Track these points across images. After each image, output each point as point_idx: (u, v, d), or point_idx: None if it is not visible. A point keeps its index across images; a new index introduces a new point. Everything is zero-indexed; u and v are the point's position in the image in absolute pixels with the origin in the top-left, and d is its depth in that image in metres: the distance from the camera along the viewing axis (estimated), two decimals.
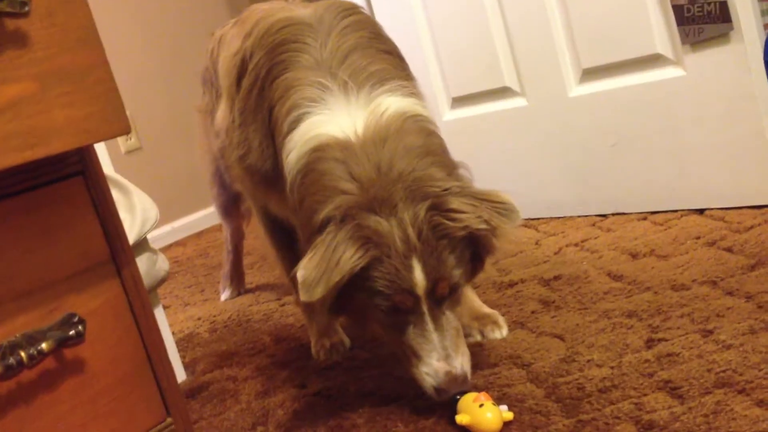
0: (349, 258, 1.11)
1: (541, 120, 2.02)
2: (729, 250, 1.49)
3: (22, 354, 0.75)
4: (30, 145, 0.73)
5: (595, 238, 1.80)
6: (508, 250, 1.88)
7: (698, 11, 1.65)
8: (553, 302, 1.48)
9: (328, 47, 1.30)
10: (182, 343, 1.89)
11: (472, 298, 1.50)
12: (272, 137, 1.34)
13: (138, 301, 0.89)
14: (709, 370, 1.07)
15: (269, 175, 1.38)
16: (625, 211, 1.92)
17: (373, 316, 1.20)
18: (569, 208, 2.04)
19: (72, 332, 0.79)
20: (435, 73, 2.22)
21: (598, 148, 1.93)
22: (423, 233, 1.13)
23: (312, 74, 1.28)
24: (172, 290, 2.54)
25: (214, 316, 2.08)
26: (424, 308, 1.15)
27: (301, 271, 1.12)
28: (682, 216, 1.77)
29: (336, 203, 1.15)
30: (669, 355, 1.14)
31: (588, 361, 1.20)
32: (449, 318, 1.18)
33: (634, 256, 1.60)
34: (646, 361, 1.15)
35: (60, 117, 0.75)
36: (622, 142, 1.88)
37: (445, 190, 1.16)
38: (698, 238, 1.60)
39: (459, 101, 2.21)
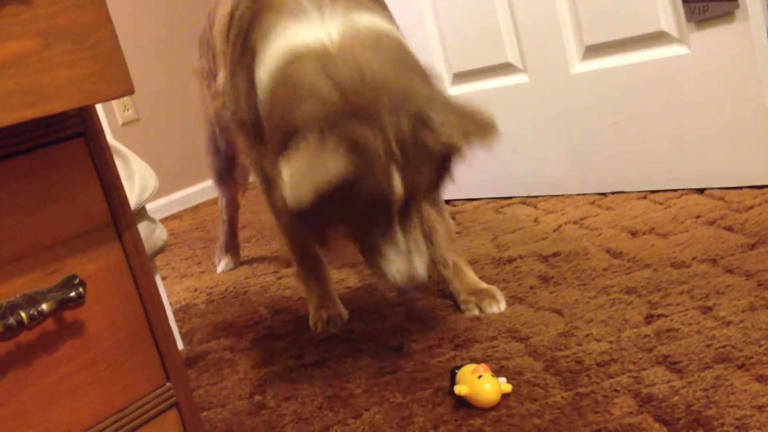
0: (336, 163, 1.09)
1: (542, 97, 2.01)
2: (729, 229, 1.49)
3: (23, 314, 0.74)
4: (30, 103, 0.72)
5: (595, 216, 1.80)
6: (506, 227, 1.88)
7: None
8: (552, 278, 1.48)
9: None
10: (179, 314, 1.89)
11: (468, 274, 1.51)
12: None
13: (138, 265, 0.88)
14: (708, 346, 1.07)
15: (259, 127, 1.33)
16: (625, 190, 1.92)
17: (344, 216, 1.20)
18: (569, 186, 2.03)
19: (72, 294, 0.79)
20: (436, 48, 2.21)
21: (599, 126, 1.92)
22: (405, 146, 1.14)
23: (291, 5, 1.25)
24: (169, 262, 2.54)
25: (211, 288, 2.08)
26: (394, 212, 1.18)
27: (289, 176, 1.10)
28: (682, 195, 1.77)
29: (317, 105, 1.13)
30: (668, 330, 1.14)
31: (587, 335, 1.20)
32: (414, 221, 1.21)
33: (634, 234, 1.60)
34: (645, 336, 1.15)
35: (61, 76, 0.74)
36: (623, 121, 1.87)
37: (429, 102, 1.16)
38: (698, 217, 1.60)
39: (460, 77, 2.19)
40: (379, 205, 1.17)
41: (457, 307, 1.47)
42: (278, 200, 1.18)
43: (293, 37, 1.21)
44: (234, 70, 1.38)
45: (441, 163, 1.22)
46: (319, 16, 1.22)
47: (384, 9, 1.38)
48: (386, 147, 1.13)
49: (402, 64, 1.20)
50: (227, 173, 2.13)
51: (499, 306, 1.42)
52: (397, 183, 1.14)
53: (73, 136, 0.83)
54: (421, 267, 1.20)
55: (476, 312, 1.43)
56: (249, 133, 1.39)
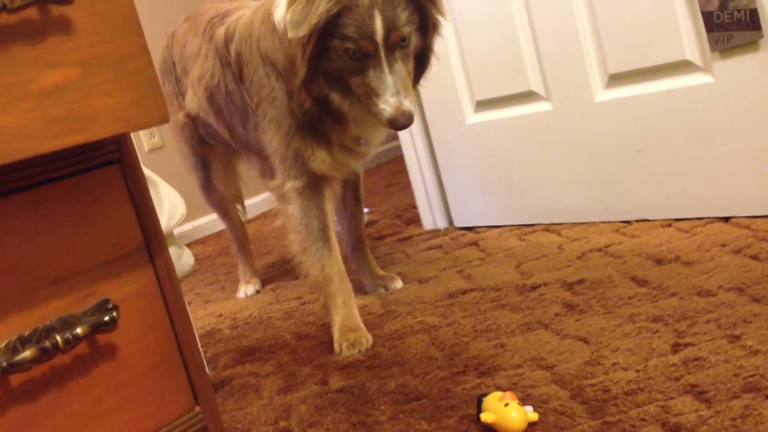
0: (324, 5, 1.40)
1: (566, 125, 2.02)
2: (755, 257, 1.48)
3: (58, 338, 0.76)
4: (71, 130, 0.74)
5: (619, 243, 1.80)
6: (530, 254, 1.88)
7: (728, 18, 1.64)
8: (577, 306, 1.48)
9: None
10: (204, 339, 1.90)
11: (373, 267, 1.97)
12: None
13: (170, 290, 0.89)
14: (736, 375, 1.06)
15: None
16: (649, 218, 1.91)
17: (343, 65, 1.47)
18: (593, 213, 2.03)
19: (106, 318, 0.80)
20: (459, 75, 2.23)
21: (624, 154, 1.92)
22: None
23: None
24: (193, 287, 2.56)
25: (235, 314, 2.09)
26: (382, 54, 1.44)
27: (289, 14, 1.43)
28: (707, 223, 1.76)
29: None
30: (696, 359, 1.14)
31: (613, 364, 1.20)
32: (401, 66, 1.47)
33: (659, 262, 1.60)
34: (673, 365, 1.14)
35: (100, 104, 0.76)
36: (647, 149, 1.87)
37: None
38: (724, 245, 1.59)
39: (483, 104, 2.21)
40: (367, 45, 1.43)
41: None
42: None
43: None
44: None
45: (417, 19, 1.49)
46: None
47: None
48: None
49: None
50: (208, 183, 2.23)
51: (397, 284, 1.93)
52: (378, 21, 1.42)
53: (109, 163, 0.85)
54: (407, 102, 1.45)
55: (382, 291, 1.92)
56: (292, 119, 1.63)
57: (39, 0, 0.71)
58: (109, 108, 0.77)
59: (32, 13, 0.72)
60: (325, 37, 1.45)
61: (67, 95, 0.74)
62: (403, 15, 1.46)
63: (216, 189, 2.24)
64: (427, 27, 1.53)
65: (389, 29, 1.44)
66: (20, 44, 0.71)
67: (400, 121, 1.44)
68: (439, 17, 1.55)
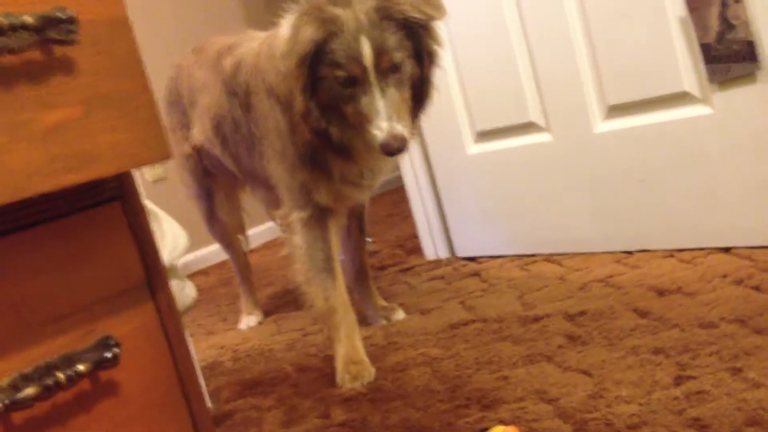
0: (310, 31, 1.44)
1: (566, 155, 2.03)
2: (757, 288, 1.48)
3: (59, 375, 0.76)
4: (72, 168, 0.75)
5: (621, 274, 1.80)
6: (532, 285, 1.88)
7: (725, 50, 1.65)
8: (579, 337, 1.47)
9: None
10: (206, 372, 1.90)
11: (376, 298, 1.96)
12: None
13: (171, 325, 0.89)
14: (738, 409, 1.06)
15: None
16: (651, 248, 1.92)
17: (336, 93, 1.48)
18: (594, 243, 2.04)
19: (108, 354, 0.80)
20: (460, 106, 2.24)
21: (624, 184, 1.93)
22: (371, 17, 1.45)
23: None
24: (195, 318, 2.55)
25: (237, 345, 2.09)
26: (372, 79, 1.44)
27: (280, 52, 1.49)
28: (708, 254, 1.76)
29: (305, 4, 1.50)
30: (698, 392, 1.13)
31: (616, 397, 1.19)
32: (393, 92, 1.46)
33: (661, 293, 1.60)
34: (675, 398, 1.14)
35: (103, 142, 0.77)
36: (647, 179, 1.88)
37: None
38: (725, 276, 1.59)
39: (484, 135, 2.22)
40: (356, 70, 1.44)
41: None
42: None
43: None
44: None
45: (412, 41, 1.49)
46: None
47: None
48: (355, 18, 1.44)
49: None
50: (212, 214, 2.24)
51: (399, 314, 1.92)
52: (365, 44, 1.43)
53: (110, 200, 0.86)
54: (400, 127, 1.43)
55: (384, 322, 1.91)
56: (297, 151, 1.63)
57: (42, 41, 0.72)
58: (111, 146, 0.78)
59: (35, 54, 0.73)
60: (315, 66, 1.47)
61: (69, 134, 0.74)
62: (391, 38, 1.46)
63: (219, 220, 2.25)
64: (421, 56, 1.53)
65: (378, 53, 1.44)
66: (23, 84, 0.72)
67: (393, 146, 1.43)
68: (435, 46, 1.54)
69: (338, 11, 1.45)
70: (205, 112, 1.93)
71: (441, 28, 2.14)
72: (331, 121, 1.53)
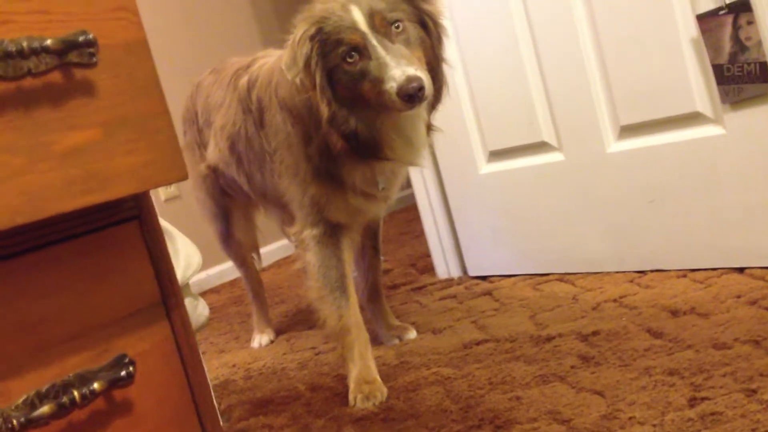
0: (302, 33, 1.44)
1: (578, 175, 2.03)
2: None
3: (75, 393, 0.77)
4: (91, 189, 0.76)
5: (634, 294, 1.79)
6: (545, 305, 1.88)
7: (738, 71, 1.66)
8: (593, 358, 1.47)
9: None
10: (218, 390, 1.90)
11: (388, 317, 1.96)
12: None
13: (186, 344, 0.90)
14: (753, 430, 1.05)
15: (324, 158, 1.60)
16: (664, 268, 1.91)
17: (350, 77, 1.44)
18: (607, 263, 2.03)
19: (123, 373, 0.81)
20: (472, 126, 2.25)
21: (637, 204, 1.93)
22: None
23: None
24: (207, 337, 2.56)
25: (249, 364, 2.09)
26: (374, 41, 1.41)
27: (285, 65, 1.49)
28: (722, 274, 1.76)
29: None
30: (712, 414, 1.13)
31: (630, 418, 1.19)
32: (399, 47, 1.42)
33: (674, 313, 1.59)
34: (689, 419, 1.13)
35: (121, 163, 0.78)
36: (660, 199, 1.88)
37: None
38: (739, 296, 1.58)
39: (496, 155, 2.23)
40: (354, 36, 1.41)
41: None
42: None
43: None
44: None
45: (409, 4, 1.47)
46: None
47: None
48: (342, 1, 1.44)
49: None
50: (227, 233, 2.24)
51: (412, 334, 1.91)
52: (355, 10, 1.42)
53: (127, 219, 0.87)
54: (412, 69, 1.38)
55: (397, 341, 1.90)
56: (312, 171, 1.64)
57: (63, 64, 0.74)
58: (129, 167, 0.79)
59: (56, 76, 0.74)
60: (322, 61, 1.45)
61: (88, 155, 0.76)
62: (382, 2, 1.44)
63: (236, 240, 2.25)
64: (425, 24, 1.50)
65: (371, 14, 1.42)
66: (44, 107, 0.73)
67: (410, 87, 1.36)
68: (432, 9, 1.51)
69: (327, 4, 1.46)
70: (220, 132, 1.94)
71: (454, 50, 2.18)
72: (358, 118, 1.50)
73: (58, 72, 0.74)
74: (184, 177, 0.83)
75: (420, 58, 1.46)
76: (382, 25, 1.43)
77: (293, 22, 1.52)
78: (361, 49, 1.42)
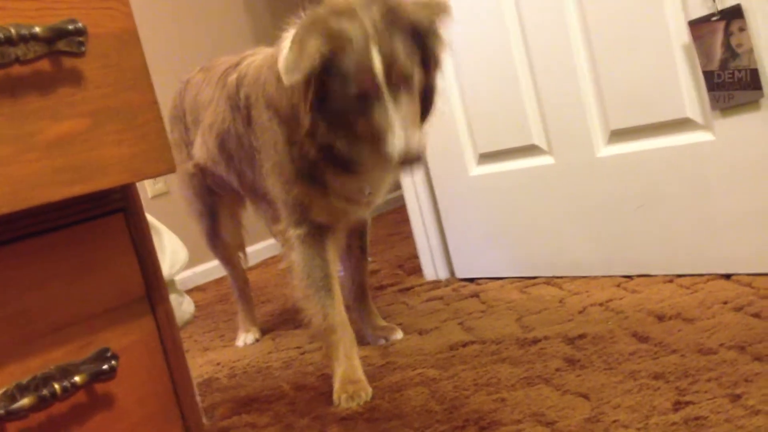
0: (316, 45, 1.36)
1: (568, 179, 2.03)
2: (756, 315, 1.48)
3: (56, 386, 0.76)
4: (78, 180, 0.75)
5: (620, 298, 1.79)
6: (531, 307, 1.88)
7: (729, 78, 1.66)
8: (578, 361, 1.47)
9: None
10: (201, 388, 1.89)
11: (374, 318, 1.96)
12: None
13: (170, 340, 0.89)
14: None
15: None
16: (651, 273, 1.91)
17: (346, 108, 1.42)
18: (594, 267, 2.03)
19: (105, 367, 0.80)
20: (463, 128, 2.25)
21: (625, 208, 1.93)
22: (378, 26, 1.39)
23: None
24: (192, 335, 2.54)
25: (234, 362, 2.08)
26: (385, 92, 1.38)
27: (282, 62, 1.41)
28: (708, 280, 1.76)
29: (307, 16, 1.45)
30: (696, 418, 1.13)
31: (614, 421, 1.19)
32: (406, 103, 1.40)
33: (660, 318, 1.59)
34: (674, 423, 1.13)
35: (109, 154, 0.77)
36: (649, 204, 1.88)
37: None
38: (725, 302, 1.59)
39: (486, 157, 2.23)
40: (368, 83, 1.38)
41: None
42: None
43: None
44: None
45: (417, 54, 1.44)
46: None
47: None
48: (362, 29, 1.38)
49: None
50: (214, 232, 2.23)
51: (398, 335, 1.91)
52: (376, 56, 1.37)
53: (114, 212, 0.86)
54: (415, 140, 1.37)
55: (383, 342, 1.90)
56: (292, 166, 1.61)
57: (51, 52, 0.73)
58: (117, 158, 0.78)
59: (44, 65, 0.73)
60: (324, 81, 1.41)
61: (76, 146, 0.75)
62: (401, 48, 1.40)
63: (222, 238, 2.24)
64: (428, 63, 1.48)
65: (389, 64, 1.38)
66: (31, 95, 0.72)
67: (411, 155, 1.37)
68: (440, 50, 1.49)
69: (344, 23, 1.39)
70: (208, 130, 1.92)
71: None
72: (339, 136, 1.49)
73: (46, 60, 0.73)
74: (172, 170, 0.83)
75: (417, 110, 1.46)
76: (398, 77, 1.39)
77: (302, 14, 1.50)
78: (370, 95, 1.39)
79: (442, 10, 1.47)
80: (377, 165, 1.53)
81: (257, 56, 1.80)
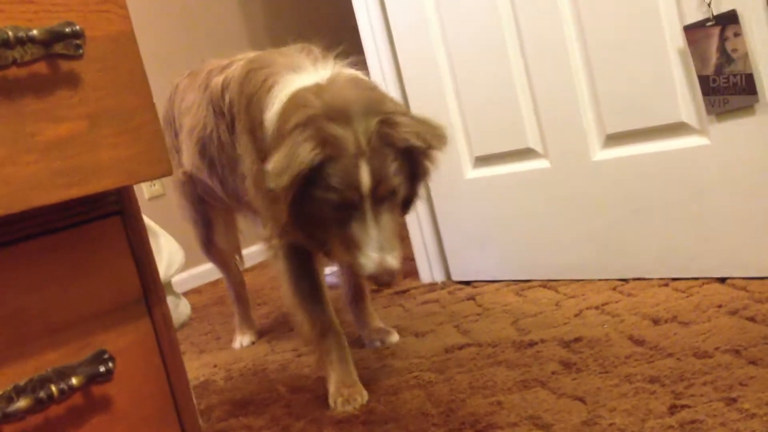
0: (308, 152, 1.32)
1: (563, 182, 2.04)
2: (752, 319, 1.48)
3: (52, 388, 0.76)
4: (74, 182, 0.75)
5: (616, 302, 1.80)
6: (527, 310, 1.88)
7: (724, 82, 1.67)
8: (574, 364, 1.47)
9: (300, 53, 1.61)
10: (197, 390, 1.89)
11: (372, 320, 1.95)
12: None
13: (167, 342, 0.89)
14: None
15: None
16: (646, 277, 1.92)
17: (325, 213, 1.38)
18: (589, 271, 2.04)
19: (102, 369, 0.80)
20: (459, 131, 2.25)
21: (620, 212, 1.94)
22: (372, 141, 1.35)
23: (291, 63, 1.56)
24: (188, 336, 2.54)
25: (230, 364, 2.08)
26: (367, 206, 1.36)
27: (271, 164, 1.34)
28: (703, 284, 1.77)
29: (303, 113, 1.38)
30: (692, 422, 1.13)
31: (610, 424, 1.19)
32: (387, 219, 1.38)
33: (656, 321, 1.60)
34: (670, 427, 1.14)
35: (106, 156, 0.77)
36: (644, 208, 1.89)
37: (393, 110, 1.41)
38: (720, 306, 1.59)
39: (482, 160, 2.23)
40: (352, 197, 1.35)
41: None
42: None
43: (296, 83, 1.48)
44: (241, 140, 1.63)
45: (406, 168, 1.42)
46: (314, 69, 1.52)
47: (362, 68, 1.62)
48: (355, 141, 1.35)
49: (374, 91, 1.48)
50: (208, 240, 2.22)
51: (394, 338, 1.90)
52: (365, 172, 1.34)
53: (110, 214, 0.86)
54: (392, 259, 1.35)
55: (378, 344, 1.89)
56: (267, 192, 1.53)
57: (48, 55, 0.73)
58: (114, 161, 0.78)
59: (41, 67, 0.73)
60: (306, 184, 1.36)
61: (72, 148, 0.75)
62: (392, 166, 1.37)
63: (216, 245, 2.23)
64: (417, 176, 1.47)
65: (377, 181, 1.35)
66: (28, 97, 0.72)
67: (383, 279, 1.35)
68: (430, 167, 1.48)
69: (338, 130, 1.35)
70: (188, 135, 1.88)
71: (442, 54, 2.18)
72: (313, 236, 1.47)
73: (43, 63, 0.73)
74: (169, 172, 0.83)
75: (397, 223, 1.44)
76: (383, 193, 1.37)
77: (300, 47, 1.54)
78: (352, 207, 1.36)
79: (440, 138, 1.43)
80: (350, 266, 1.53)
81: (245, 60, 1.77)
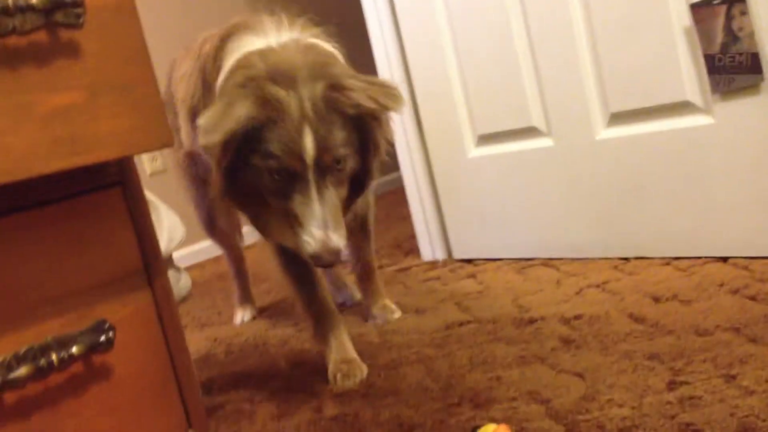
0: (244, 110, 1.22)
1: (566, 161, 2.03)
2: (753, 298, 1.48)
3: (53, 356, 0.76)
4: (75, 152, 0.75)
5: (617, 280, 1.80)
6: (528, 288, 1.89)
7: (729, 61, 1.66)
8: (574, 341, 1.48)
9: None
10: (198, 363, 1.90)
11: (378, 297, 1.92)
12: None
13: (167, 312, 0.90)
14: (731, 415, 1.06)
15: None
16: (648, 256, 1.92)
17: (264, 182, 1.29)
18: (591, 249, 2.04)
19: (102, 338, 0.81)
20: (462, 109, 2.24)
21: (624, 191, 1.93)
22: (317, 106, 1.26)
23: (257, 26, 1.45)
24: (190, 311, 2.55)
25: (231, 338, 2.09)
26: (310, 177, 1.26)
27: (202, 119, 1.24)
28: (705, 263, 1.77)
29: (242, 72, 1.30)
30: (691, 398, 1.14)
31: (608, 400, 1.20)
32: (332, 193, 1.28)
33: (657, 299, 1.60)
34: (668, 402, 1.14)
35: (106, 127, 0.77)
36: (647, 187, 1.88)
37: (342, 73, 1.31)
38: (722, 285, 1.59)
39: (485, 138, 2.22)
40: (294, 165, 1.25)
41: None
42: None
43: (250, 44, 1.39)
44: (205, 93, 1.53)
45: (356, 139, 1.32)
46: (275, 33, 1.41)
47: (333, 39, 1.51)
48: (299, 105, 1.25)
49: (326, 57, 1.37)
50: (210, 222, 2.21)
51: (396, 315, 1.88)
52: (308, 139, 1.24)
53: (111, 185, 0.86)
54: (336, 238, 1.26)
55: (380, 321, 1.87)
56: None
57: (49, 24, 0.73)
58: (114, 131, 0.78)
59: (42, 36, 0.73)
60: (243, 150, 1.27)
61: (73, 118, 0.75)
62: (339, 134, 1.28)
63: (219, 227, 2.22)
64: (368, 148, 1.35)
65: (321, 149, 1.25)
66: (28, 66, 0.72)
67: (325, 258, 1.25)
68: (384, 140, 1.38)
69: (280, 92, 1.26)
70: (182, 106, 1.77)
71: (446, 33, 2.16)
72: (250, 206, 1.39)
73: (43, 31, 0.73)
74: (169, 144, 0.83)
75: (343, 199, 1.35)
76: (327, 163, 1.27)
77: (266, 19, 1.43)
78: (294, 176, 1.27)
79: (393, 98, 1.32)
80: (288, 242, 1.42)
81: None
